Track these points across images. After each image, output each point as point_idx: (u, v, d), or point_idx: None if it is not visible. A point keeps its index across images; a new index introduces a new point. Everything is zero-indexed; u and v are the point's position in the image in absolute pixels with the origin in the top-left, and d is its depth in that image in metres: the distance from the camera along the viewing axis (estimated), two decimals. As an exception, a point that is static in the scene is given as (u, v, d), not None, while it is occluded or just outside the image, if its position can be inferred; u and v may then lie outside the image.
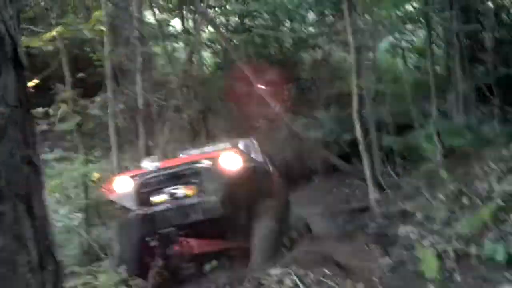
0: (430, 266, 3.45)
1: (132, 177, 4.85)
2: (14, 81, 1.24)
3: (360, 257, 4.39)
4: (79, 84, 7.42)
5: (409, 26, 9.14)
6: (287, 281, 4.21)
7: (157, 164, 4.95)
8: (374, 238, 4.71)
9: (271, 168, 6.23)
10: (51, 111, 6.77)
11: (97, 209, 6.14)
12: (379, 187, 5.76)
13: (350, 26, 6.34)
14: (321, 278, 4.11)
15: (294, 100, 11.39)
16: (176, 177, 4.82)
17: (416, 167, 6.32)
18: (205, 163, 4.89)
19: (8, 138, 1.22)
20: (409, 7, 8.98)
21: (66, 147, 7.88)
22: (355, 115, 6.04)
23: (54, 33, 6.20)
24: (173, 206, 4.58)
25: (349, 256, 4.49)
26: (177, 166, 4.99)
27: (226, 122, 11.93)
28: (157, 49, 11.17)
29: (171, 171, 4.87)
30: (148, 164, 4.93)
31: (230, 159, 4.78)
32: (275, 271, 4.17)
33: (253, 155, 5.73)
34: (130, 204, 4.66)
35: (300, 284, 4.04)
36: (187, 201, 4.62)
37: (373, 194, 5.61)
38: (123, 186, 4.77)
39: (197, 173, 4.83)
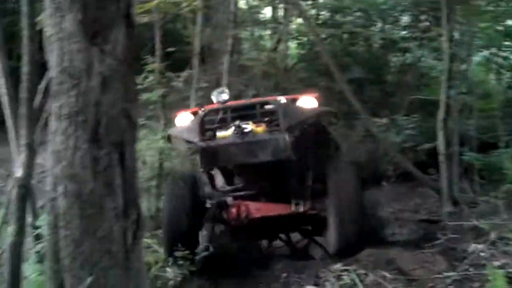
0: (498, 287, 3.31)
1: (196, 112, 4.54)
2: (124, 37, 1.30)
3: (425, 266, 4.27)
4: (167, 57, 7.67)
5: (507, 43, 8.73)
6: (346, 279, 4.18)
7: (226, 97, 4.44)
8: (441, 251, 4.56)
9: None
10: (138, 80, 7.05)
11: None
12: (454, 201, 5.55)
13: (447, 33, 6.12)
14: (381, 281, 4.05)
15: (375, 101, 11.15)
16: (246, 113, 4.40)
17: (495, 188, 6.05)
18: (281, 100, 4.48)
19: (111, 90, 1.29)
20: (510, 22, 8.56)
21: (148, 116, 8.16)
22: (439, 124, 5.84)
23: (152, 4, 6.43)
24: (239, 141, 4.14)
25: (413, 263, 4.38)
26: (248, 103, 4.68)
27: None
28: (244, 34, 11.28)
29: (240, 105, 4.57)
30: (216, 96, 4.48)
31: (309, 101, 4.44)
32: (336, 266, 4.15)
33: None
34: (192, 137, 4.27)
35: (360, 284, 4.00)
36: (256, 137, 4.16)
37: (446, 207, 5.42)
38: (185, 120, 4.52)
39: (270, 111, 4.42)
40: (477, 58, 8.43)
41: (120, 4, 1.30)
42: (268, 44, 12.32)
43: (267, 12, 12.99)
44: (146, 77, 7.35)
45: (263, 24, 11.80)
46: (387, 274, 4.23)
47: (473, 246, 4.24)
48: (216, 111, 4.45)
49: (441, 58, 10.34)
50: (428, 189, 8.40)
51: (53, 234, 1.48)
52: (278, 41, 10.99)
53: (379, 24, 12.63)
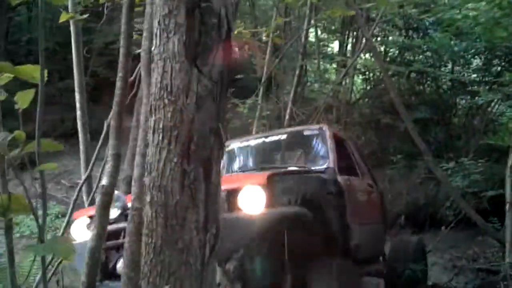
0: None
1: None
2: (221, 61, 1.38)
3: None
4: (233, 83, 7.87)
5: None
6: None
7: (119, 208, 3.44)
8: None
9: None
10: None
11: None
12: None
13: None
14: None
15: (440, 143, 10.94)
16: None
17: None
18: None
19: (205, 109, 1.37)
20: None
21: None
22: (508, 171, 5.68)
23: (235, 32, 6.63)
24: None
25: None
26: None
27: (363, 150, 11.83)
28: (310, 67, 11.40)
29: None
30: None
31: (255, 194, 3.36)
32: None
33: None
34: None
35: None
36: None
37: (509, 257, 5.23)
38: (81, 231, 3.63)
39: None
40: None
41: (221, 30, 1.38)
42: (333, 77, 12.41)
43: (335, 45, 13.10)
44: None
45: (330, 57, 11.91)
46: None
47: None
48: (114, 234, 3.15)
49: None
50: (488, 238, 8.13)
51: (133, 242, 1.55)
52: (344, 75, 11.04)
53: (449, 66, 12.46)
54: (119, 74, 1.75)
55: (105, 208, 1.65)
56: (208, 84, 1.38)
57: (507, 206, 5.61)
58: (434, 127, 11.42)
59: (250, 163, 5.02)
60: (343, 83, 11.62)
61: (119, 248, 2.96)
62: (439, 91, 12.77)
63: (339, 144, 4.77)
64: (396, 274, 5.17)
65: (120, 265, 2.39)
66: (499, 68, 10.85)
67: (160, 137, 1.40)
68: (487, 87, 11.13)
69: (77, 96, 6.33)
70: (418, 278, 5.41)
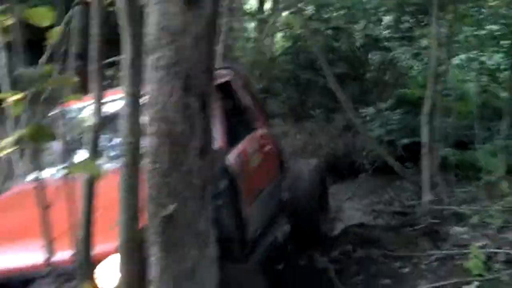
0: (478, 264, 3.67)
1: None
2: (213, 4, 1.54)
3: (409, 247, 4.62)
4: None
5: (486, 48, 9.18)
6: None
7: None
8: (424, 233, 4.91)
9: None
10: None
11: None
12: (435, 191, 5.95)
13: (434, 36, 6.53)
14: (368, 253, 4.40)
15: (356, 98, 11.55)
16: None
17: (470, 182, 6.48)
18: None
19: (200, 48, 1.53)
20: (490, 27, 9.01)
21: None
22: (424, 118, 6.23)
23: None
24: None
25: (396, 243, 4.73)
26: None
27: (284, 106, 12.24)
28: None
29: None
30: None
31: None
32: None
33: None
34: None
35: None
36: None
37: (427, 196, 5.80)
38: None
39: None
40: (456, 60, 8.88)
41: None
42: (253, 35, 12.58)
43: (253, 2, 13.24)
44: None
45: (250, 14, 12.05)
46: (375, 251, 4.59)
47: (455, 229, 4.62)
48: None
49: (420, 58, 10.79)
50: (403, 183, 8.83)
51: (128, 171, 1.72)
52: (265, 33, 11.26)
53: (362, 23, 13.03)
54: (95, 21, 1.86)
55: (94, 144, 1.80)
56: (203, 25, 1.55)
57: (423, 150, 6.17)
58: (349, 82, 12.00)
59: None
60: (265, 40, 11.86)
61: None
62: (353, 48, 13.35)
63: (228, 93, 4.25)
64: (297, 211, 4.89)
65: None
66: (408, 25, 11.48)
67: (163, 74, 1.55)
68: (397, 43, 11.82)
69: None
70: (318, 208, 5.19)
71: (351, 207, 8.46)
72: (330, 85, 8.89)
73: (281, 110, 12.02)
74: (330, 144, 10.95)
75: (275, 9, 12.11)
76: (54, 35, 1.41)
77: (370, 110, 8.51)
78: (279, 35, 13.32)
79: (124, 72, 1.80)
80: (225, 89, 4.13)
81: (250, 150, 4.08)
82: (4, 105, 1.31)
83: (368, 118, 8.79)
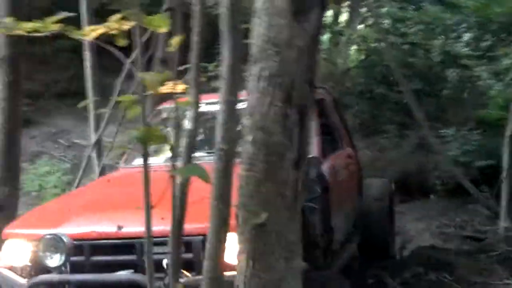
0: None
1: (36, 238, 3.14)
2: (318, 18, 1.57)
3: (483, 273, 4.44)
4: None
5: None
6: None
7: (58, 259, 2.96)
8: (498, 260, 4.71)
9: None
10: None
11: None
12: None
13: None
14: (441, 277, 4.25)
15: (431, 115, 11.24)
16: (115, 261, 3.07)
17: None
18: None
19: (303, 61, 1.56)
20: None
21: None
22: (506, 140, 6.00)
23: None
24: None
25: (470, 269, 4.55)
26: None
27: (355, 119, 12.11)
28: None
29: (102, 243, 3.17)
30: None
31: None
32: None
33: None
34: None
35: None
36: None
37: (504, 222, 5.56)
38: (17, 257, 3.14)
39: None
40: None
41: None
42: (325, 46, 12.58)
43: (328, 14, 13.22)
44: (217, 65, 7.64)
45: (324, 27, 12.04)
46: (447, 275, 4.43)
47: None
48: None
49: (501, 78, 10.36)
50: (476, 207, 8.49)
51: (220, 178, 1.76)
52: (343, 44, 11.21)
53: (441, 39, 12.70)
54: (196, 30, 1.92)
55: (190, 150, 1.85)
56: (308, 39, 1.57)
57: (504, 173, 5.92)
58: (424, 98, 11.71)
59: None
60: (338, 53, 11.82)
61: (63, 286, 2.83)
62: (430, 64, 13.03)
63: (321, 110, 4.42)
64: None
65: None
66: (490, 43, 11.09)
67: (265, 84, 1.58)
68: (477, 61, 11.42)
69: (87, 54, 6.37)
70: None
71: (419, 228, 8.22)
72: (405, 101, 8.72)
73: (352, 123, 11.90)
74: (401, 161, 10.72)
75: (351, 22, 12.03)
76: (175, 44, 1.47)
77: (449, 130, 8.23)
78: (353, 47, 13.23)
79: (222, 79, 1.84)
80: (319, 106, 4.32)
81: (338, 165, 4.26)
82: (120, 107, 1.38)
83: (444, 137, 8.52)
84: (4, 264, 3.03)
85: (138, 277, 2.62)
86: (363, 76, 12.37)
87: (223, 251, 1.83)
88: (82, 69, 6.49)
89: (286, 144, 1.60)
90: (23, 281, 2.87)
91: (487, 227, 7.10)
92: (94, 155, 5.84)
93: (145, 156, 1.44)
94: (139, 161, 4.05)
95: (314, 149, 3.58)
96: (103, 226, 2.83)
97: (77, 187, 5.46)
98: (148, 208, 1.48)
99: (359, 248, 5.19)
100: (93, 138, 5.91)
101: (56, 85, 12.44)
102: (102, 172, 5.01)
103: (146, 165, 1.44)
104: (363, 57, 13.15)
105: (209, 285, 1.78)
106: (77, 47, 8.11)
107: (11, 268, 2.98)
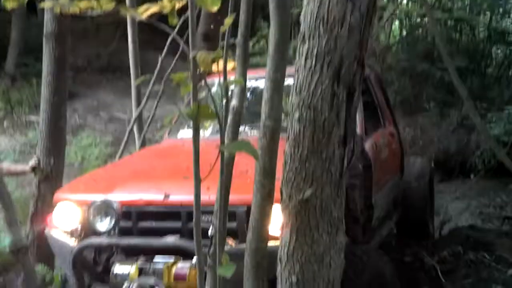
0: None
1: (87, 204, 3.20)
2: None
3: (524, 254, 4.37)
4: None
5: None
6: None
7: (108, 223, 3.09)
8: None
9: None
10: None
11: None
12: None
13: None
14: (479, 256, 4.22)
15: (475, 93, 10.96)
16: (166, 227, 3.10)
17: None
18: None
19: (354, 39, 1.56)
20: None
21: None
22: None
23: None
24: None
25: (510, 249, 4.49)
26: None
27: (396, 97, 11.91)
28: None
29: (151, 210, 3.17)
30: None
31: None
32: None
33: None
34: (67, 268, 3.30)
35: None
36: None
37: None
38: (66, 220, 3.27)
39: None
40: None
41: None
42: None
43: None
44: (257, 42, 7.68)
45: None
46: (486, 255, 4.40)
47: None
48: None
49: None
50: (517, 188, 8.32)
51: (265, 155, 1.79)
52: (385, 20, 10.99)
53: (487, 14, 12.31)
54: (243, 7, 1.93)
55: (236, 125, 1.89)
56: (358, 16, 1.57)
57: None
58: (469, 76, 11.41)
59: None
60: (381, 28, 11.59)
61: (112, 249, 2.99)
62: (475, 40, 12.66)
63: (365, 87, 4.42)
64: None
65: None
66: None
67: (313, 62, 1.60)
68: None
69: (129, 29, 6.45)
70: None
71: (458, 208, 8.14)
72: (447, 78, 8.52)
73: (393, 101, 11.70)
74: (442, 140, 10.55)
75: (395, -3, 11.76)
76: (227, 23, 1.49)
77: (492, 109, 8.00)
78: (396, 23, 12.95)
79: (268, 56, 1.85)
80: (364, 83, 4.24)
81: (381, 143, 4.27)
82: (172, 84, 1.42)
83: (488, 116, 8.30)
84: (54, 226, 3.17)
85: (184, 243, 2.72)
86: (406, 53, 12.13)
87: (267, 224, 1.88)
88: (123, 44, 6.58)
89: (333, 121, 1.62)
90: (72, 243, 3.00)
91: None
92: (135, 129, 5.95)
93: (196, 131, 1.48)
94: (183, 133, 4.15)
95: (358, 126, 3.61)
96: (150, 194, 2.91)
97: (119, 159, 5.61)
98: (198, 178, 1.53)
99: (398, 226, 5.21)
100: (134, 112, 6.02)
101: (97, 59, 12.70)
102: (142, 146, 5.14)
103: (196, 140, 1.49)
104: (405, 33, 12.86)
105: (252, 254, 1.84)
106: (118, 22, 8.24)
107: (61, 231, 3.11)
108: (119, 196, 2.94)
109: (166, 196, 2.87)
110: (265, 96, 1.87)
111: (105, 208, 2.89)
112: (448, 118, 10.65)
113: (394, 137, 5.06)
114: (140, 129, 5.97)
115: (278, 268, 1.83)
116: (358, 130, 3.64)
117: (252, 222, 1.89)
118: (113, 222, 2.87)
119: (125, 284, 2.73)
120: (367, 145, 3.69)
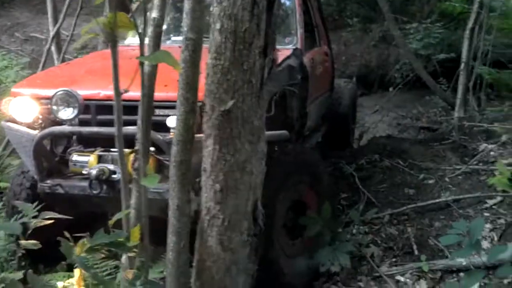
0: (503, 180, 3.76)
1: (44, 98, 3.34)
2: None
3: (435, 160, 4.71)
4: None
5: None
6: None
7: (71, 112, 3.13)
8: (451, 148, 4.98)
9: None
10: None
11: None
12: (465, 108, 5.95)
13: None
14: (394, 163, 4.52)
15: (396, 9, 11.17)
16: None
17: (504, 101, 6.44)
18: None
19: None
20: None
21: None
22: (467, 33, 6.09)
23: None
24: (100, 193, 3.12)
25: (423, 156, 4.82)
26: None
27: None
28: None
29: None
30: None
31: None
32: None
33: None
34: (29, 163, 3.38)
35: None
36: None
37: (458, 112, 5.82)
38: (22, 114, 3.29)
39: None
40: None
41: None
42: None
43: None
44: None
45: None
46: (400, 161, 4.70)
47: (483, 145, 4.68)
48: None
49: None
50: (433, 99, 8.78)
51: (187, 68, 1.80)
52: None
53: None
54: None
55: (157, 37, 1.87)
56: None
57: (462, 65, 6.09)
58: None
59: None
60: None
61: (70, 140, 3.15)
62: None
63: (305, 7, 4.58)
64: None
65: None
66: None
67: (233, -30, 1.58)
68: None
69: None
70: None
71: (377, 120, 8.52)
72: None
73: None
74: (364, 56, 10.80)
75: None
76: None
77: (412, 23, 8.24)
78: None
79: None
80: (304, 4, 4.57)
81: (316, 60, 4.49)
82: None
83: (407, 30, 8.55)
84: (12, 119, 3.22)
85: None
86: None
87: (191, 137, 1.92)
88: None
89: (254, 31, 1.63)
90: (34, 132, 3.07)
91: (442, 118, 7.42)
92: (53, 48, 5.68)
93: (114, 43, 1.45)
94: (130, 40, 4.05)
95: (298, 41, 4.01)
96: (109, 89, 2.94)
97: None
98: (118, 92, 1.53)
99: (324, 139, 5.50)
100: (51, 31, 5.71)
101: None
102: (62, 65, 4.92)
103: (114, 52, 1.46)
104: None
105: (178, 167, 1.89)
106: None
107: (20, 123, 3.18)
108: (79, 90, 3.02)
109: (125, 91, 2.92)
110: (187, 7, 1.83)
111: (68, 98, 2.96)
112: (370, 33, 10.87)
113: (328, 56, 5.33)
114: (59, 49, 5.70)
115: (203, 177, 1.89)
116: (299, 44, 3.98)
117: (177, 136, 1.92)
118: (76, 111, 2.95)
119: (85, 170, 2.91)
120: (305, 59, 3.86)
